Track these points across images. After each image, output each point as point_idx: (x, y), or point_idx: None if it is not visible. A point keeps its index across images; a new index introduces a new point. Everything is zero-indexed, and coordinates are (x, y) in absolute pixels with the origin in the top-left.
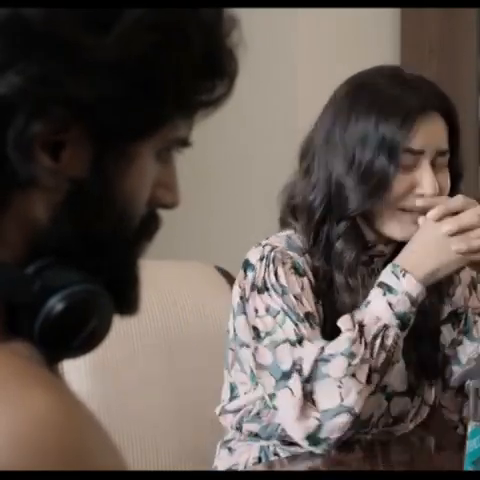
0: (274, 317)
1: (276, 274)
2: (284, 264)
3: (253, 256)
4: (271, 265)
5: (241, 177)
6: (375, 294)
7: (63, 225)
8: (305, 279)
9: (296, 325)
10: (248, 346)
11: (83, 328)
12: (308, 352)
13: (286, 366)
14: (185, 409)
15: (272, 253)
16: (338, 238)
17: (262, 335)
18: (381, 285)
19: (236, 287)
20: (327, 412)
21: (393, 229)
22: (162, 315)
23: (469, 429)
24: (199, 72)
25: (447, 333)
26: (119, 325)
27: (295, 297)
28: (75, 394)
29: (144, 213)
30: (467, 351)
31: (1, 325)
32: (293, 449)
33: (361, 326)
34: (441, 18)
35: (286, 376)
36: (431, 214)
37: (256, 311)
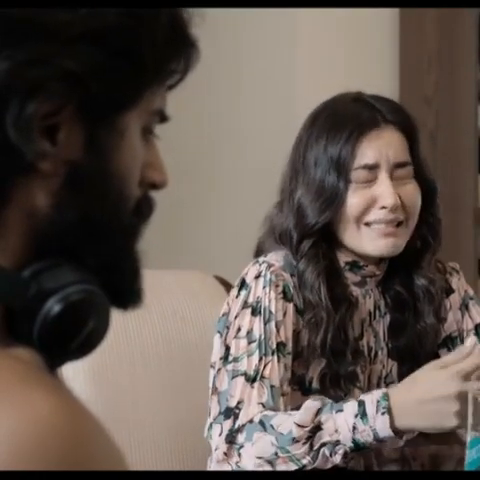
0: (248, 344)
1: (269, 298)
2: (277, 287)
3: (249, 275)
4: (267, 287)
5: (242, 187)
6: (350, 407)
7: (65, 211)
8: (291, 305)
9: (260, 360)
10: (213, 366)
11: (81, 329)
12: (251, 407)
13: (232, 403)
14: (184, 417)
15: (268, 273)
16: (301, 258)
17: (229, 359)
18: (361, 404)
19: (224, 304)
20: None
21: (364, 245)
22: (162, 324)
23: (468, 439)
24: (169, 40)
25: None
26: (119, 333)
27: (276, 324)
28: (78, 399)
29: (138, 195)
30: None
31: (3, 331)
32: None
33: (317, 428)
34: (440, 27)
35: (227, 413)
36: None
37: (239, 330)
